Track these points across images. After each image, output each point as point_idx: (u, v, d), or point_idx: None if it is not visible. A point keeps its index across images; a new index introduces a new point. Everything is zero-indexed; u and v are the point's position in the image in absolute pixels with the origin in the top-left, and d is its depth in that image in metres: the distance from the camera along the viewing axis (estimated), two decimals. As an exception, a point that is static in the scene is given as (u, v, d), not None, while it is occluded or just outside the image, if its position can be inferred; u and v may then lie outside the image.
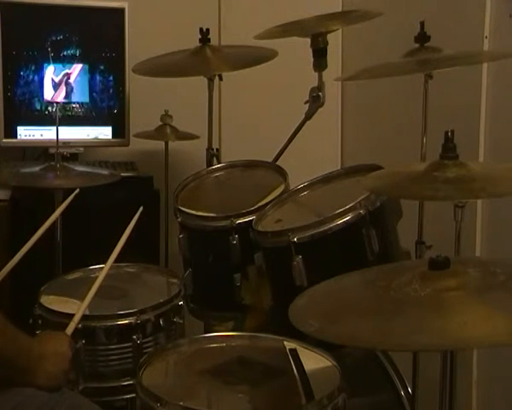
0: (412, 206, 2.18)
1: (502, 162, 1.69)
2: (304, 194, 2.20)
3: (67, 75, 2.80)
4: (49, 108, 2.79)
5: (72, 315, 1.78)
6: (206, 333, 2.14)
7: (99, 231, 2.54)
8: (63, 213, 2.21)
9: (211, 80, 2.60)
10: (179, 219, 2.26)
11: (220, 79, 2.64)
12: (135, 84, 2.83)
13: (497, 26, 2.34)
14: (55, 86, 2.80)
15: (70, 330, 1.74)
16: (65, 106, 2.82)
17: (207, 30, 2.54)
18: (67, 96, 2.81)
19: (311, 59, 2.31)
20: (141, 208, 2.05)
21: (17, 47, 2.75)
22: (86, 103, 2.85)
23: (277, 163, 2.43)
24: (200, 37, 2.53)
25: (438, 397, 1.51)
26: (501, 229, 2.38)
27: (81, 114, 2.85)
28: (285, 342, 1.75)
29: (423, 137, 2.18)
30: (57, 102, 2.75)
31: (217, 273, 2.24)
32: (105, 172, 2.59)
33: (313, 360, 1.67)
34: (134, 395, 1.65)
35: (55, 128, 2.31)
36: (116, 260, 1.94)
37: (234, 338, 1.83)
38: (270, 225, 2.04)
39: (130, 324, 1.91)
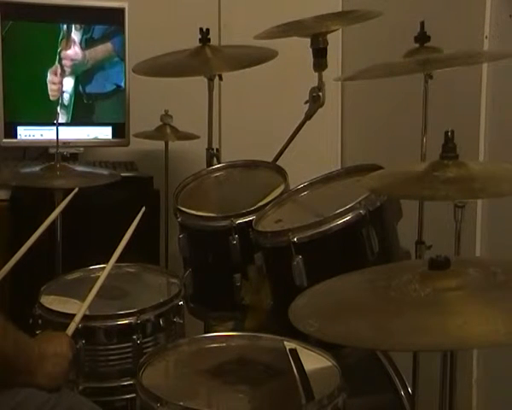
0: (412, 206, 2.18)
1: (502, 162, 1.69)
2: (304, 194, 2.20)
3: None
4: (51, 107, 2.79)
5: (73, 315, 1.78)
6: (206, 333, 2.14)
7: (99, 231, 2.55)
8: (63, 213, 2.21)
9: (211, 80, 2.60)
10: (179, 219, 2.26)
11: (220, 79, 2.64)
12: (135, 84, 2.83)
13: (497, 26, 2.34)
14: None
15: (70, 330, 1.74)
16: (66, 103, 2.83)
17: (207, 30, 2.54)
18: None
19: (311, 59, 2.31)
20: (143, 209, 2.05)
21: (17, 47, 2.75)
22: (86, 102, 2.86)
23: (277, 163, 2.43)
24: (200, 37, 2.53)
25: (438, 397, 1.51)
26: (501, 229, 2.38)
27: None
28: (285, 342, 1.75)
29: (423, 137, 2.18)
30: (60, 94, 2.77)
31: (217, 273, 2.24)
32: (105, 172, 2.59)
33: (313, 360, 1.67)
34: (134, 395, 1.65)
35: (55, 128, 2.31)
36: (116, 261, 1.94)
37: (234, 338, 1.83)
38: (270, 225, 2.04)
39: (130, 324, 1.91)
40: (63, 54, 2.80)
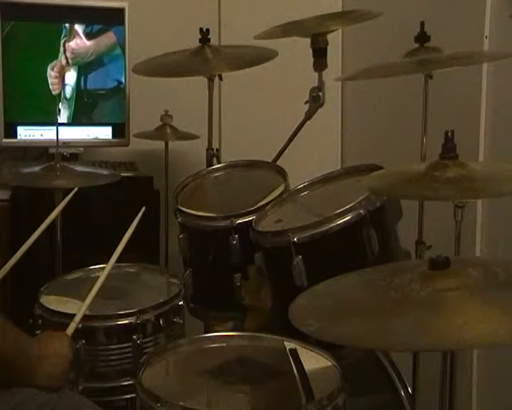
0: (412, 206, 2.18)
1: (502, 162, 1.69)
2: (304, 194, 2.20)
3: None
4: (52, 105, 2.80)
5: (73, 315, 1.78)
6: (206, 333, 2.14)
7: (99, 231, 2.55)
8: (63, 214, 2.21)
9: (211, 80, 2.60)
10: (179, 219, 2.26)
11: (220, 79, 2.64)
12: (135, 83, 2.84)
13: (497, 26, 2.34)
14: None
15: (70, 330, 1.74)
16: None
17: (207, 30, 2.54)
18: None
19: (311, 59, 2.31)
20: (143, 209, 2.05)
21: (18, 47, 2.75)
22: (86, 101, 2.86)
23: (277, 163, 2.43)
24: (200, 37, 2.53)
25: (438, 397, 1.51)
26: (501, 229, 2.38)
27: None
28: (285, 342, 1.75)
29: (423, 137, 2.18)
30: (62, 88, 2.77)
31: (217, 273, 2.24)
32: (105, 172, 2.59)
33: (313, 360, 1.67)
34: (134, 395, 1.65)
35: (54, 128, 2.31)
36: (116, 260, 1.94)
37: (234, 338, 1.83)
38: (270, 225, 2.04)
39: (130, 324, 1.91)
40: (67, 45, 2.80)
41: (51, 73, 2.80)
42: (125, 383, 1.90)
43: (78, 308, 1.80)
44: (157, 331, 1.96)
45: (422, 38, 2.17)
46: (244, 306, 2.18)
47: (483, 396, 2.47)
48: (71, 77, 2.83)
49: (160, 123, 2.78)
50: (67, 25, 2.80)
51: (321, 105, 2.34)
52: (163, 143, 2.79)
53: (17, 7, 2.75)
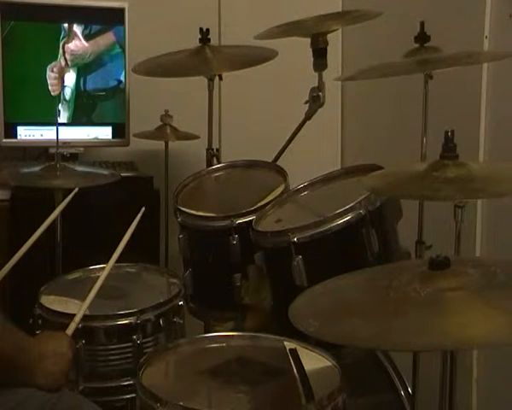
0: (412, 206, 2.18)
1: (502, 162, 1.69)
2: (304, 194, 2.20)
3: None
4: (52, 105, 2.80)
5: (73, 315, 1.78)
6: (206, 333, 2.14)
7: (99, 231, 2.55)
8: (63, 214, 2.21)
9: (211, 80, 2.60)
10: (179, 219, 2.26)
11: (220, 79, 2.64)
12: (135, 83, 2.84)
13: (497, 26, 2.34)
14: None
15: (70, 330, 1.74)
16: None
17: (207, 30, 2.54)
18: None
19: (311, 59, 2.31)
20: (143, 209, 2.05)
21: (17, 47, 2.75)
22: (86, 102, 2.86)
23: (277, 163, 2.43)
24: (200, 37, 2.54)
25: (438, 397, 1.51)
26: (501, 229, 2.38)
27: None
28: (285, 342, 1.75)
29: (423, 137, 2.18)
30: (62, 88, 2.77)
31: (217, 273, 2.24)
32: (105, 172, 2.59)
33: (313, 360, 1.67)
34: (134, 395, 1.65)
35: (54, 128, 2.31)
36: (116, 260, 1.94)
37: (234, 338, 1.83)
38: (270, 225, 2.04)
39: (130, 324, 1.91)
40: (66, 47, 2.80)
41: (51, 75, 2.80)
42: (125, 383, 1.90)
43: (78, 308, 1.81)
44: (157, 331, 1.96)
45: (422, 38, 2.17)
46: (244, 306, 2.18)
47: (483, 396, 2.47)
48: (70, 78, 2.83)
49: (160, 123, 2.77)
50: (66, 26, 2.79)
51: (321, 105, 2.34)
52: (163, 143, 2.79)
53: (17, 7, 2.75)
